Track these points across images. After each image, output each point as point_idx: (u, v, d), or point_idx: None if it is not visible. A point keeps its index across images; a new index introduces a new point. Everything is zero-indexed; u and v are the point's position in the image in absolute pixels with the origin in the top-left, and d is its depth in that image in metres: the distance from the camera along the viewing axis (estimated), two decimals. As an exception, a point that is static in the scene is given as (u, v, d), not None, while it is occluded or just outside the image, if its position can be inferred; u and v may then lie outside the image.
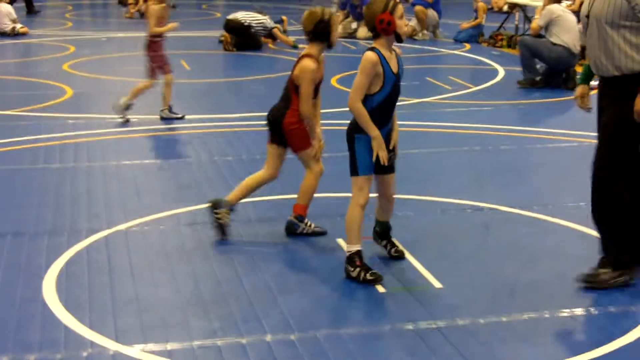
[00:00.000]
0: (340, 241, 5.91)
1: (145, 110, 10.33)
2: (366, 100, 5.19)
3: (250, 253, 5.78)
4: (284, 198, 6.72)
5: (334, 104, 10.58)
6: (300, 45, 15.78)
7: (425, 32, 18.11)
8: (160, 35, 9.81)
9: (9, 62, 14.93)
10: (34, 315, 4.78)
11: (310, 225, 6.13)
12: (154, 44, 9.81)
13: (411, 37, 18.02)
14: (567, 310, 4.90)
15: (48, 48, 16.25)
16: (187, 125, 9.60)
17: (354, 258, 5.26)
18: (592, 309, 4.93)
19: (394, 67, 5.24)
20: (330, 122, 9.61)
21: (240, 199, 6.10)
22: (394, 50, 5.32)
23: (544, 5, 12.39)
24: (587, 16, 5.08)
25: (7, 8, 17.97)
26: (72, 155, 8.26)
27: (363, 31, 17.65)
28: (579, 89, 5.53)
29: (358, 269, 5.23)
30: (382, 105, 5.23)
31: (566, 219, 6.39)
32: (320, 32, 5.87)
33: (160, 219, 6.42)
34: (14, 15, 18.10)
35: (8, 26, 17.76)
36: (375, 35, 5.21)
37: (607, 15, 4.94)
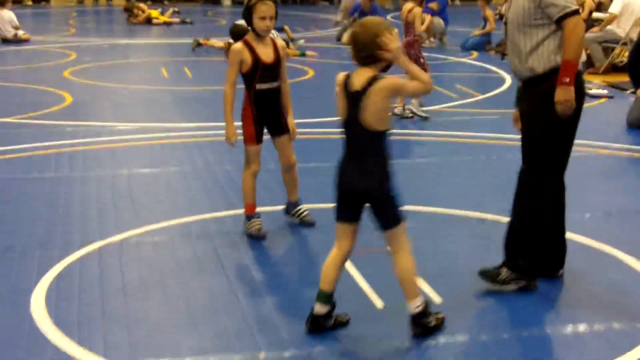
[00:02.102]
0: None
1: (144, 119, 10.18)
2: None
3: (245, 266, 5.61)
4: (280, 210, 6.55)
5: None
6: (309, 53, 15.67)
7: (432, 39, 17.95)
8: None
9: (10, 69, 14.82)
10: (21, 332, 4.60)
11: (254, 224, 6.11)
12: (416, 42, 10.34)
13: (417, 44, 17.87)
14: (571, 325, 4.72)
15: (50, 54, 16.14)
16: (185, 133, 9.44)
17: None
18: (596, 325, 4.74)
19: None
20: (337, 130, 9.49)
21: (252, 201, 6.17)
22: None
23: None
24: (506, 23, 5.14)
25: (9, 14, 17.88)
26: (68, 164, 8.11)
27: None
28: (516, 111, 5.37)
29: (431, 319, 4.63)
30: None
31: (570, 231, 6.18)
32: (244, 17, 6.02)
33: (154, 230, 6.25)
34: (16, 22, 18.01)
35: (10, 32, 17.67)
36: None
37: (518, 18, 4.99)
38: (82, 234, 6.18)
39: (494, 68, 14.35)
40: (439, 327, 4.60)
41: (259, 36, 5.99)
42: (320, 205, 6.48)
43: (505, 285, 5.17)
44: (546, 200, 5.13)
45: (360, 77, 4.33)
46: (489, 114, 10.73)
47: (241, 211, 6.27)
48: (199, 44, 16.99)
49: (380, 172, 4.42)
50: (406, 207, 6.63)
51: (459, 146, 9.08)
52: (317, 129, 9.31)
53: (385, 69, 4.38)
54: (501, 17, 21.34)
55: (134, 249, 5.91)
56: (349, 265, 5.46)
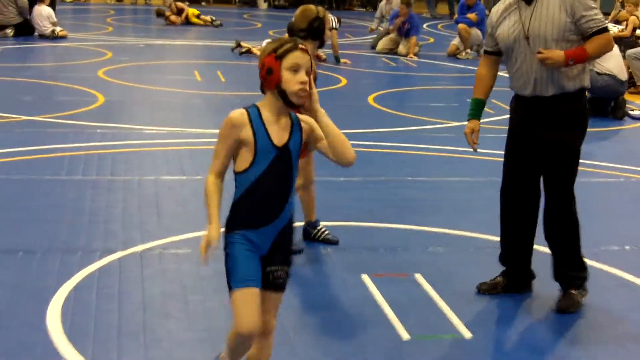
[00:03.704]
0: (365, 277, 5.56)
1: (174, 123, 10.08)
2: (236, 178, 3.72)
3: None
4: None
5: (371, 124, 10.30)
6: (343, 60, 15.53)
7: (468, 51, 17.75)
8: None
9: (45, 66, 14.80)
10: (34, 345, 4.49)
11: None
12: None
13: (454, 55, 17.69)
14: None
15: (85, 53, 16.10)
16: (215, 140, 9.28)
17: None
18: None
19: (278, 137, 3.60)
20: (367, 143, 9.36)
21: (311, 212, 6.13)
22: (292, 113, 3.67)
23: None
24: (527, 37, 4.99)
25: (48, 10, 17.87)
26: (95, 167, 8.01)
27: (404, 47, 17.34)
28: (471, 124, 5.38)
29: None
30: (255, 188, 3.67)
31: (608, 264, 5.98)
32: (314, 30, 5.76)
33: (178, 241, 6.12)
34: (55, 18, 17.99)
35: (48, 29, 17.66)
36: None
37: (552, 32, 4.93)
38: (104, 242, 6.07)
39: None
40: None
41: (322, 46, 6.07)
42: (340, 223, 6.34)
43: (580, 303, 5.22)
44: (575, 214, 5.23)
45: None
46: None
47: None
48: (239, 46, 16.79)
49: None
50: (434, 229, 6.54)
51: (491, 165, 8.85)
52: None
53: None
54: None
55: (157, 260, 5.78)
56: (374, 290, 5.30)
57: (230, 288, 3.69)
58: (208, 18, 22.10)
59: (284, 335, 4.72)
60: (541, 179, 5.26)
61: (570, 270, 5.24)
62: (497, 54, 5.29)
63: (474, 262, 6.01)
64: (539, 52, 4.93)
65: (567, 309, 5.15)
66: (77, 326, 4.73)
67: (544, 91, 5.05)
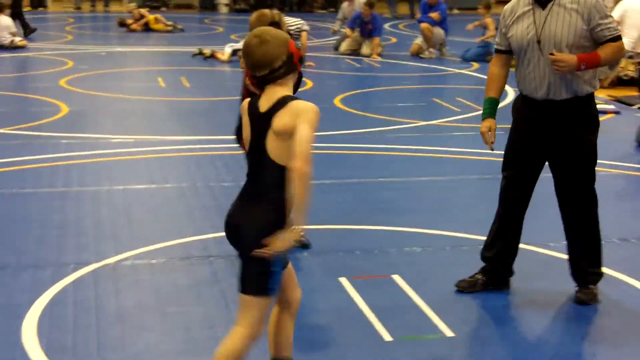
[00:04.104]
0: (344, 280, 5.52)
1: (141, 131, 9.97)
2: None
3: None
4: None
5: (339, 126, 10.25)
6: (307, 63, 15.48)
7: (431, 50, 17.76)
8: None
9: (5, 77, 14.57)
10: (11, 362, 4.40)
11: None
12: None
13: (417, 55, 17.71)
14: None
15: (46, 62, 15.90)
16: (183, 147, 9.22)
17: None
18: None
19: None
20: (336, 145, 9.32)
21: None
22: None
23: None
24: (539, 41, 5.01)
25: (7, 21, 17.63)
26: (62, 178, 7.88)
27: (368, 48, 17.31)
28: (488, 123, 5.36)
29: None
30: None
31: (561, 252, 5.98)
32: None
33: (152, 251, 6.04)
34: (14, 29, 17.76)
35: (7, 39, 17.43)
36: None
37: (568, 38, 4.95)
38: (76, 254, 5.97)
39: (495, 80, 14.06)
40: None
41: None
42: (315, 227, 6.29)
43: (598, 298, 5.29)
44: (597, 213, 5.34)
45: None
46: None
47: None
48: (200, 53, 16.73)
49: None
50: (411, 230, 6.52)
51: (463, 163, 8.86)
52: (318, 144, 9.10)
53: None
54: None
55: (131, 272, 5.69)
56: (353, 293, 5.27)
57: (267, 293, 3.65)
58: (170, 23, 21.96)
59: (264, 341, 4.65)
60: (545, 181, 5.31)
61: (590, 267, 5.31)
62: (509, 53, 5.27)
63: (451, 261, 5.99)
64: (552, 54, 4.93)
65: (589, 301, 5.22)
66: (55, 342, 4.63)
67: (557, 95, 5.06)
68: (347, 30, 17.85)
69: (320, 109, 3.62)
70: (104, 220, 6.75)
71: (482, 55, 17.09)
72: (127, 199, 7.30)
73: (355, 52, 17.57)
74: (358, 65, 16.25)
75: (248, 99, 3.71)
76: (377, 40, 17.47)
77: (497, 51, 5.35)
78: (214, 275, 5.64)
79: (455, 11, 28.46)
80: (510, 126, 5.42)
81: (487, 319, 5.06)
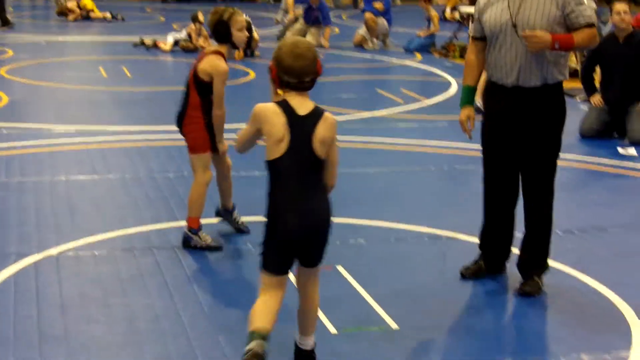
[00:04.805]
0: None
1: (83, 121, 9.86)
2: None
3: (189, 284, 5.38)
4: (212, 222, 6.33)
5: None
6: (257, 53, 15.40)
7: (375, 40, 17.83)
8: None
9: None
10: (-49, 356, 4.34)
11: (205, 239, 5.89)
12: None
13: (360, 45, 17.75)
14: (538, 357, 4.58)
15: (-16, 51, 15.64)
16: (126, 138, 9.14)
17: None
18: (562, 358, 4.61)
19: None
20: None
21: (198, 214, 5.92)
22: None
23: None
24: (514, 25, 5.02)
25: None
26: (4, 169, 7.77)
27: (312, 37, 17.23)
28: (466, 111, 5.36)
29: None
30: None
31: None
32: (218, 34, 5.72)
33: (95, 243, 5.99)
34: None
35: (-57, 27, 17.12)
36: None
37: (541, 24, 4.97)
38: (18, 245, 5.90)
39: (438, 71, 14.15)
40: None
41: (234, 48, 5.83)
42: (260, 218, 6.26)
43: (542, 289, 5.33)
44: (552, 207, 5.37)
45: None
46: (436, 120, 10.57)
47: (183, 223, 6.03)
48: (142, 43, 16.62)
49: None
50: (355, 221, 6.54)
51: (407, 155, 8.92)
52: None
53: None
54: (446, 19, 21.32)
55: (74, 262, 5.64)
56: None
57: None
58: (107, 14, 21.74)
59: (209, 334, 4.66)
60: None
61: (538, 258, 5.36)
62: (484, 40, 5.27)
63: (396, 253, 6.02)
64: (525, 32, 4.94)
65: (533, 293, 5.26)
66: (-4, 333, 4.58)
67: (527, 81, 5.07)
68: (291, 12, 17.86)
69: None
70: (46, 211, 6.67)
71: (426, 46, 17.18)
72: (69, 190, 7.22)
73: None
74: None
75: (265, 104, 3.98)
76: (328, 30, 17.54)
77: (473, 38, 5.36)
78: (156, 266, 5.61)
79: (398, 2, 28.59)
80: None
81: (431, 311, 5.09)
